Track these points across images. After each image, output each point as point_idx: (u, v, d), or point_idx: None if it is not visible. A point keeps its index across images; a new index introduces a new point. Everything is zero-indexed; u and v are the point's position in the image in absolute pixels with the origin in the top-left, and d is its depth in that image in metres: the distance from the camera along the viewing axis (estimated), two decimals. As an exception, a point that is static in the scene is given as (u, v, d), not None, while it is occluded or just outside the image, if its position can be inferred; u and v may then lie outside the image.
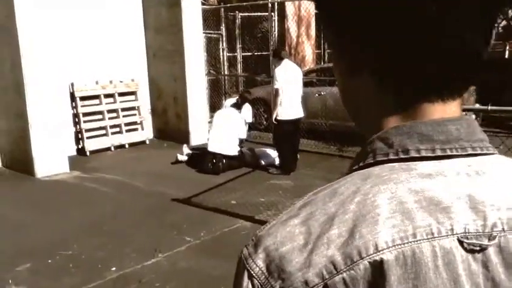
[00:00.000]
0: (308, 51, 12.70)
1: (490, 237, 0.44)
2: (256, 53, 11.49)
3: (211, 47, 10.37)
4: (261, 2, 8.18)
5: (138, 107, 8.26)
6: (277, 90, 6.11)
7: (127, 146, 7.97)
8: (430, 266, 0.42)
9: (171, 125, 8.38)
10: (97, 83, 7.72)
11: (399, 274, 0.42)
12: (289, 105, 6.12)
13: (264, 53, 11.20)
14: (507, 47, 20.58)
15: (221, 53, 10.69)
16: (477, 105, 7.13)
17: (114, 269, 3.66)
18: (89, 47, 7.50)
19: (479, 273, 0.43)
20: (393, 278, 0.42)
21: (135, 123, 8.24)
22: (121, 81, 8.04)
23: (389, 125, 0.50)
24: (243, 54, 11.28)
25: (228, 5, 9.88)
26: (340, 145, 7.35)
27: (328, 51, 13.55)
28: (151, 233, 4.33)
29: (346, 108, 0.56)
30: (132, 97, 8.22)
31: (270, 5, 7.87)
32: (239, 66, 11.29)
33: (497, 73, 11.55)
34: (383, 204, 0.44)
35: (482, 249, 0.43)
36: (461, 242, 0.43)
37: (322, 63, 13.11)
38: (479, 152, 0.48)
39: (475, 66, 0.48)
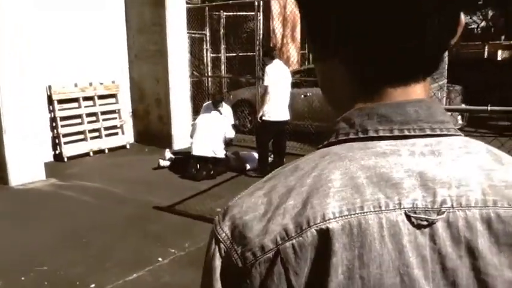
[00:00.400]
0: (293, 52, 12.56)
1: (439, 213, 0.46)
2: (240, 54, 11.28)
3: (195, 47, 10.13)
4: (248, 0, 7.95)
5: (118, 110, 7.97)
6: (266, 88, 5.95)
7: (107, 151, 7.67)
8: (376, 236, 0.45)
9: (153, 128, 8.11)
10: (76, 85, 7.41)
11: (345, 242, 0.45)
12: (276, 106, 5.96)
13: (249, 53, 11.00)
14: (486, 48, 20.93)
15: (205, 54, 10.45)
16: (463, 105, 7.10)
17: (93, 285, 3.41)
18: (67, 48, 7.19)
19: (426, 246, 0.45)
20: (337, 245, 0.45)
21: (115, 127, 7.94)
22: (101, 83, 7.74)
23: (355, 107, 0.52)
24: (227, 55, 11.06)
25: (214, 3, 9.62)
26: (327, 147, 7.18)
27: (313, 52, 13.41)
28: (133, 245, 4.08)
29: (322, 93, 0.59)
30: (113, 100, 7.93)
31: (256, 3, 7.66)
32: (223, 68, 11.06)
33: (482, 74, 11.59)
34: (336, 179, 0.47)
35: (430, 223, 0.46)
36: (408, 217, 0.46)
37: (307, 64, 12.97)
38: (438, 132, 0.50)
39: (437, 54, 0.51)
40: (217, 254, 0.50)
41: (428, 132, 0.50)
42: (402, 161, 0.48)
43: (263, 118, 5.99)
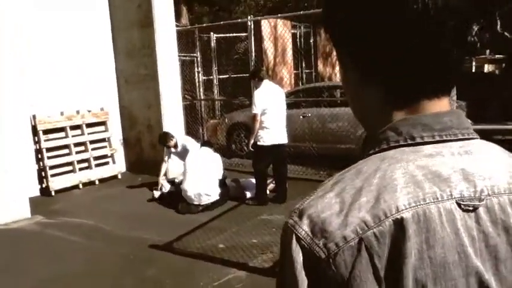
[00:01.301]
0: (285, 73, 12.28)
1: (480, 200, 0.56)
2: (233, 75, 10.99)
3: (186, 70, 9.81)
4: (240, 20, 7.65)
5: (108, 138, 7.55)
6: (254, 116, 5.56)
7: (97, 182, 7.22)
8: (437, 222, 0.54)
9: (145, 156, 7.69)
10: (62, 114, 6.99)
11: (415, 228, 0.54)
12: (270, 130, 5.57)
13: (241, 75, 10.71)
14: (473, 62, 21.02)
15: (196, 77, 10.12)
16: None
17: None
18: (52, 75, 6.80)
19: (473, 227, 0.55)
20: (411, 231, 0.53)
21: (105, 156, 7.50)
22: (89, 111, 7.33)
23: (397, 119, 0.62)
24: (219, 77, 10.75)
25: (204, 24, 9.33)
26: (330, 170, 6.80)
27: (306, 71, 13.19)
28: (128, 293, 3.64)
29: (355, 113, 0.69)
30: (102, 128, 7.51)
31: (249, 23, 7.36)
32: (215, 90, 10.74)
33: (483, 89, 11.42)
34: (399, 178, 0.57)
35: (475, 209, 0.56)
36: (459, 204, 0.56)
37: (300, 84, 12.70)
38: (466, 137, 0.62)
39: (458, 70, 0.63)
40: (299, 250, 0.56)
41: (460, 136, 0.61)
42: (446, 160, 0.58)
43: (258, 143, 5.60)
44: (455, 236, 0.54)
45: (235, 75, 11.00)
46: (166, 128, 7.34)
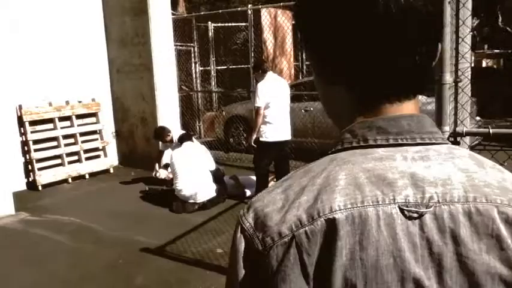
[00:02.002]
0: (285, 64, 11.89)
1: (427, 207, 0.55)
2: (231, 66, 10.60)
3: (182, 61, 9.43)
4: (239, 9, 7.26)
5: (100, 130, 7.18)
6: (258, 110, 5.19)
7: (87, 176, 6.86)
8: (373, 225, 0.54)
9: (139, 149, 7.32)
10: (50, 104, 6.61)
11: (348, 229, 0.54)
12: (274, 125, 5.22)
13: (240, 66, 10.33)
14: (472, 57, 20.76)
15: (193, 67, 9.74)
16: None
17: None
18: (40, 63, 6.42)
19: (416, 234, 0.54)
20: (342, 232, 0.54)
21: (96, 149, 7.14)
22: (79, 101, 6.95)
23: (357, 120, 0.62)
24: (217, 68, 10.37)
25: (202, 13, 8.91)
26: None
27: (307, 63, 12.81)
28: (116, 304, 3.30)
29: (327, 114, 0.70)
30: (93, 119, 7.13)
31: (249, 11, 6.97)
32: (213, 81, 10.36)
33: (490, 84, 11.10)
34: (341, 179, 0.57)
35: (420, 215, 0.55)
36: (401, 210, 0.55)
37: (301, 76, 12.33)
38: (427, 141, 0.60)
39: (424, 76, 0.62)
40: (242, 240, 0.58)
41: (418, 141, 0.60)
42: (396, 165, 0.58)
43: (260, 139, 5.25)
44: (392, 241, 0.54)
45: (233, 66, 10.61)
46: (161, 121, 6.98)
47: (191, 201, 5.18)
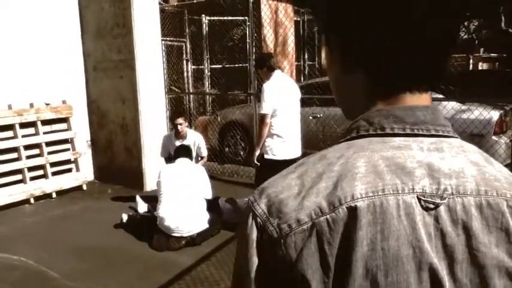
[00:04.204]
0: (286, 65, 10.83)
1: (442, 198, 0.55)
2: (227, 65, 9.49)
3: (172, 58, 8.32)
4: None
5: (71, 139, 6.02)
6: (263, 117, 4.10)
7: (54, 195, 5.70)
8: (394, 214, 0.53)
9: (118, 162, 6.18)
10: (10, 107, 5.45)
11: (369, 218, 0.53)
12: (282, 139, 4.13)
13: (238, 65, 9.23)
14: (470, 60, 20.08)
15: (184, 65, 8.63)
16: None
17: None
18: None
19: (431, 225, 0.54)
20: (363, 220, 0.53)
21: (67, 161, 5.98)
22: (47, 104, 5.80)
23: (374, 109, 0.61)
24: (211, 66, 9.26)
25: (195, 1, 7.80)
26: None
27: (309, 63, 11.73)
28: None
29: (339, 103, 0.69)
30: (63, 126, 5.97)
31: (251, 1, 5.85)
32: (207, 82, 9.25)
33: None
34: (361, 166, 0.56)
35: (436, 206, 0.55)
36: (419, 199, 0.55)
37: (302, 78, 11.25)
38: (440, 133, 0.60)
39: (444, 69, 0.62)
40: (254, 227, 0.56)
41: (432, 132, 0.60)
42: (414, 154, 0.57)
43: (265, 156, 4.15)
44: (412, 230, 0.53)
45: (230, 65, 9.49)
46: (144, 128, 5.86)
47: (176, 234, 4.05)
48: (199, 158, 5.34)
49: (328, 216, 0.53)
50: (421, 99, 0.61)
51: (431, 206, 0.54)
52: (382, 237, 0.52)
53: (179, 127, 5.09)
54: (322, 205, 0.53)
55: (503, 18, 20.10)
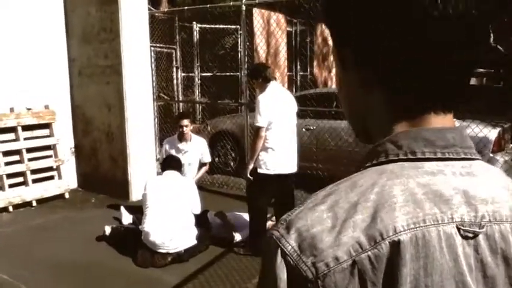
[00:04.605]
0: (277, 76, 10.70)
1: (480, 226, 0.52)
2: (218, 74, 9.32)
3: (161, 64, 8.13)
4: (232, 3, 6.00)
5: (54, 145, 5.78)
6: (258, 130, 3.91)
7: (34, 203, 5.45)
8: (437, 247, 0.49)
9: (103, 171, 5.94)
10: (-11, 111, 5.21)
11: (413, 253, 0.49)
12: (276, 153, 3.94)
13: (228, 73, 9.07)
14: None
15: (174, 73, 8.44)
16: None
17: None
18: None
19: (471, 256, 0.51)
20: (408, 256, 0.48)
21: (49, 169, 5.73)
22: (28, 109, 5.56)
23: (398, 130, 0.57)
24: (201, 74, 9.08)
25: (186, 7, 7.64)
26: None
27: (301, 73, 11.63)
28: None
29: (349, 117, 0.65)
30: (46, 131, 5.74)
31: (243, 7, 5.70)
32: (197, 90, 9.07)
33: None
34: (398, 195, 0.51)
35: (475, 235, 0.51)
36: (458, 229, 0.51)
37: (294, 89, 11.12)
38: (469, 156, 0.57)
39: (464, 88, 0.58)
40: (284, 267, 0.51)
41: (462, 155, 0.56)
42: (448, 180, 0.53)
43: (258, 170, 3.96)
44: (454, 263, 0.50)
45: (220, 74, 9.33)
46: (131, 136, 5.64)
47: (162, 250, 3.82)
48: (202, 164, 5.27)
49: (369, 252, 0.49)
50: (446, 120, 0.58)
51: (471, 235, 0.51)
52: (425, 273, 0.49)
53: (184, 129, 4.98)
54: (361, 240, 0.49)
55: (491, 34, 20.48)
